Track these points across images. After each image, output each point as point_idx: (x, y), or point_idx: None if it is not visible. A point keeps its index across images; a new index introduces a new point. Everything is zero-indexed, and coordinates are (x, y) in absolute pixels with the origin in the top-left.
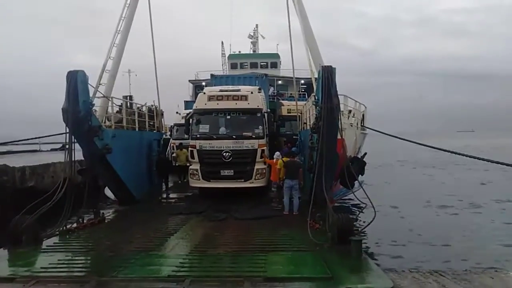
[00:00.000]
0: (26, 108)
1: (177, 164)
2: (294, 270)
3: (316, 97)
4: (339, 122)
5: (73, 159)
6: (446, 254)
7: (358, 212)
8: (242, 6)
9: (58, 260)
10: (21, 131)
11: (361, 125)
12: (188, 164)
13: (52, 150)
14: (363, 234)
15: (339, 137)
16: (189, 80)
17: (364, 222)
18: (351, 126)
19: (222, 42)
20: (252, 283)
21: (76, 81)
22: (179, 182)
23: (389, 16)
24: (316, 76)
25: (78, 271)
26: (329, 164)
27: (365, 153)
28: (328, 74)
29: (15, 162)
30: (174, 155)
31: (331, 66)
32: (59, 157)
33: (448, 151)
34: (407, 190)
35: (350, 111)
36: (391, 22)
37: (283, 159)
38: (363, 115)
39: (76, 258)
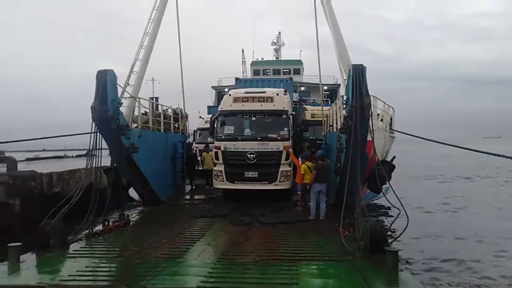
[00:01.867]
0: (52, 115)
1: (204, 168)
2: (328, 283)
3: (346, 97)
4: (370, 122)
5: (97, 163)
6: (486, 267)
7: (386, 217)
8: (265, 14)
9: (86, 267)
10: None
11: (390, 128)
12: (211, 167)
13: (77, 156)
14: (396, 242)
15: (368, 138)
16: (212, 87)
17: (394, 229)
18: (380, 128)
19: (243, 50)
20: None
21: (105, 80)
22: (207, 187)
23: (411, 20)
24: (346, 78)
25: (106, 280)
26: (357, 167)
27: (394, 157)
28: (359, 72)
29: (42, 168)
30: (199, 158)
31: (362, 65)
32: (85, 163)
33: (492, 154)
34: (439, 196)
35: (378, 114)
36: (413, 26)
37: (306, 163)
38: (391, 118)
39: (103, 265)
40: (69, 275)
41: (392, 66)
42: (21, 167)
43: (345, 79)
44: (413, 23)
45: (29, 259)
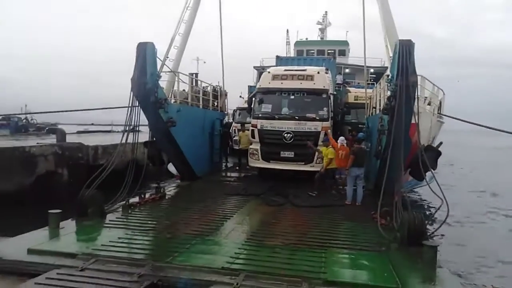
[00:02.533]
0: (104, 92)
1: (239, 147)
2: (357, 274)
3: (391, 74)
4: (416, 103)
5: (135, 137)
6: None
7: (428, 208)
8: None
9: (118, 238)
10: (96, 114)
11: (438, 113)
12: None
13: (123, 131)
14: (434, 236)
15: (413, 121)
16: (254, 67)
17: (434, 221)
18: (427, 111)
19: (287, 30)
20: (310, 285)
21: (145, 53)
22: (237, 168)
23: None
24: (391, 55)
25: (135, 252)
26: (400, 151)
27: (441, 143)
28: (406, 48)
29: (91, 141)
30: (235, 138)
31: (410, 40)
32: (129, 138)
33: None
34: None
35: (425, 98)
36: (472, 6)
37: (326, 147)
38: (440, 102)
39: (135, 237)
40: (102, 245)
41: (446, 51)
42: (72, 139)
43: (390, 56)
44: (472, 3)
45: (68, 226)
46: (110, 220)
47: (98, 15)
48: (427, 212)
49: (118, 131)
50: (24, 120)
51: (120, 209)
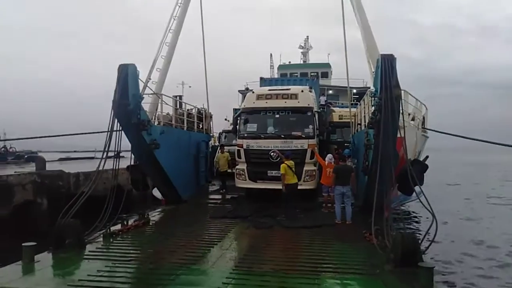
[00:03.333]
0: (86, 117)
1: (218, 170)
2: None
3: (375, 88)
4: (400, 116)
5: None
6: None
7: (418, 223)
8: (292, 20)
9: (97, 271)
10: (80, 138)
11: (422, 127)
12: (228, 170)
13: (108, 157)
14: (427, 254)
15: (398, 135)
16: (239, 91)
17: (426, 237)
18: (412, 125)
19: (271, 54)
20: None
21: (126, 74)
22: (221, 191)
23: (445, 25)
24: (374, 70)
25: (117, 287)
26: (387, 164)
27: (427, 156)
28: (388, 62)
29: (71, 169)
30: (216, 159)
31: (392, 55)
32: (111, 163)
33: None
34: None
35: (409, 114)
36: (447, 30)
37: (286, 162)
38: (423, 117)
39: (116, 269)
40: (79, 280)
41: (422, 71)
42: (53, 166)
43: (373, 72)
44: (446, 28)
45: (44, 259)
46: (89, 251)
47: (81, 39)
48: (419, 227)
49: (103, 158)
50: (3, 149)
51: (101, 239)
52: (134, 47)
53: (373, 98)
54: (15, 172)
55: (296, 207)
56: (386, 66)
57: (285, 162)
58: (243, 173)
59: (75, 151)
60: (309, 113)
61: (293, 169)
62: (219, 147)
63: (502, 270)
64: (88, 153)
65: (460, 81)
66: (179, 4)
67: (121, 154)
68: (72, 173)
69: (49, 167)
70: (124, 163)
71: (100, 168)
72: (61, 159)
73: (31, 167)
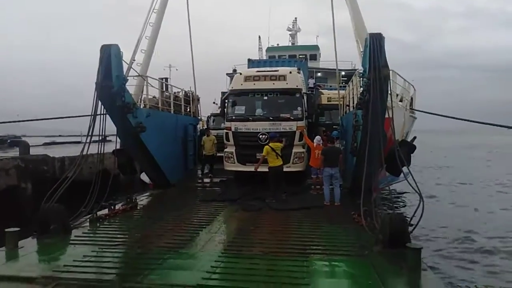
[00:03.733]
0: (72, 100)
1: (203, 154)
2: (342, 284)
3: (363, 68)
4: (388, 96)
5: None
6: None
7: (407, 204)
8: (280, 1)
9: (83, 256)
10: (66, 123)
11: (410, 108)
12: (214, 154)
13: (93, 142)
14: (415, 235)
15: (386, 116)
16: (227, 74)
17: (414, 218)
18: (400, 106)
19: (259, 37)
20: None
21: (109, 55)
22: (209, 174)
23: (435, 8)
24: (362, 50)
25: (102, 272)
26: (376, 145)
27: (415, 137)
28: (376, 41)
29: (56, 153)
30: (202, 143)
31: (380, 34)
32: (99, 148)
33: None
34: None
35: (397, 94)
36: (436, 14)
37: (270, 144)
38: (411, 98)
39: (102, 254)
40: (64, 265)
41: (414, 55)
42: (38, 151)
43: (362, 51)
44: (436, 11)
45: (28, 245)
46: (75, 236)
47: (65, 21)
48: (407, 208)
49: (87, 142)
50: None
51: (87, 224)
52: (121, 29)
53: (361, 78)
54: None
55: (284, 190)
56: (375, 45)
57: (270, 144)
58: (232, 156)
59: (60, 136)
60: (297, 95)
61: (278, 151)
62: (205, 130)
63: (490, 251)
64: (74, 138)
65: (451, 64)
66: None
67: (107, 138)
68: (57, 158)
69: (33, 151)
70: (110, 147)
71: (84, 152)
72: (45, 144)
73: (14, 152)
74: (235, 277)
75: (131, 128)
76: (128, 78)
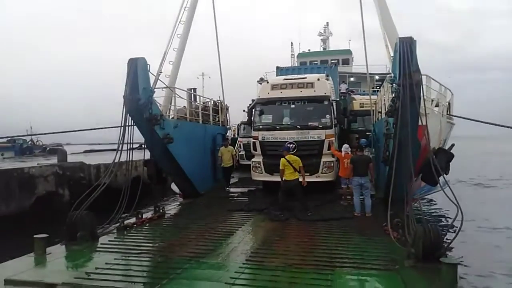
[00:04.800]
0: (107, 109)
1: (221, 165)
2: None
3: (393, 74)
4: (421, 103)
5: (130, 154)
6: None
7: (443, 217)
8: (312, 5)
9: (105, 263)
10: (104, 132)
11: (448, 114)
12: (232, 165)
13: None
14: (451, 249)
15: (420, 123)
16: (257, 81)
17: (450, 232)
18: (435, 112)
19: (292, 43)
20: None
21: (136, 68)
22: (227, 188)
23: (476, 8)
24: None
25: (120, 280)
26: (407, 155)
27: (453, 145)
28: (407, 46)
29: (95, 160)
30: (219, 154)
31: (411, 37)
32: (136, 156)
33: None
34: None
35: (432, 100)
36: (478, 13)
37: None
38: (449, 103)
39: (124, 262)
40: (86, 273)
41: (455, 57)
42: (79, 158)
43: (392, 56)
44: (476, 9)
45: (55, 251)
46: (102, 244)
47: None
48: (443, 222)
49: (125, 150)
50: (30, 142)
51: (115, 231)
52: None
53: (392, 84)
54: (37, 164)
55: (307, 208)
56: (405, 50)
57: (286, 156)
58: (259, 165)
59: (99, 144)
60: (326, 102)
61: (294, 164)
62: (222, 140)
63: None
64: (112, 145)
65: (493, 66)
66: None
67: (142, 146)
68: (93, 165)
69: (74, 159)
70: (147, 154)
71: (116, 161)
72: (86, 151)
73: (54, 159)
74: None
75: (159, 140)
76: (155, 90)
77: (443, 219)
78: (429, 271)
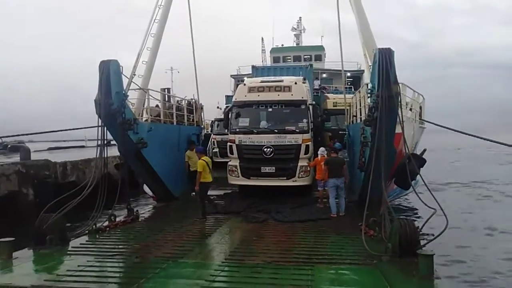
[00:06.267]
0: (78, 106)
1: (191, 169)
2: None
3: (372, 84)
4: (400, 113)
5: (105, 155)
6: None
7: (416, 218)
8: (284, 1)
9: (78, 266)
10: (70, 128)
11: (420, 119)
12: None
13: (97, 146)
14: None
15: (397, 131)
16: (231, 75)
17: (426, 230)
18: (409, 119)
19: (262, 38)
20: None
21: (108, 71)
22: (192, 194)
23: (439, 5)
24: (371, 63)
25: (95, 281)
26: (385, 161)
27: (425, 150)
28: (386, 57)
29: (60, 158)
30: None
31: (389, 48)
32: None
33: None
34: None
35: (406, 104)
36: (441, 11)
37: (202, 158)
38: (420, 107)
39: (98, 264)
40: (57, 275)
41: (419, 54)
42: (43, 156)
43: (370, 65)
44: (440, 8)
45: (23, 256)
46: (73, 247)
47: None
48: (419, 221)
49: (91, 146)
50: None
51: (87, 234)
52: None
53: (370, 94)
54: None
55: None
56: (384, 61)
57: (202, 158)
58: (236, 169)
59: (64, 141)
60: (303, 106)
61: (210, 166)
62: (188, 144)
63: (504, 258)
64: (78, 142)
65: (455, 62)
66: None
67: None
68: (59, 162)
69: (38, 156)
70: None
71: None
72: (50, 148)
73: (16, 157)
74: (236, 285)
75: (132, 144)
76: (128, 94)
77: (418, 219)
78: (407, 265)
